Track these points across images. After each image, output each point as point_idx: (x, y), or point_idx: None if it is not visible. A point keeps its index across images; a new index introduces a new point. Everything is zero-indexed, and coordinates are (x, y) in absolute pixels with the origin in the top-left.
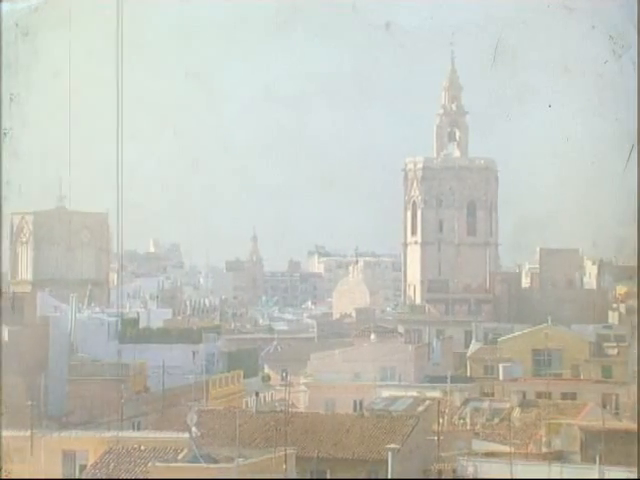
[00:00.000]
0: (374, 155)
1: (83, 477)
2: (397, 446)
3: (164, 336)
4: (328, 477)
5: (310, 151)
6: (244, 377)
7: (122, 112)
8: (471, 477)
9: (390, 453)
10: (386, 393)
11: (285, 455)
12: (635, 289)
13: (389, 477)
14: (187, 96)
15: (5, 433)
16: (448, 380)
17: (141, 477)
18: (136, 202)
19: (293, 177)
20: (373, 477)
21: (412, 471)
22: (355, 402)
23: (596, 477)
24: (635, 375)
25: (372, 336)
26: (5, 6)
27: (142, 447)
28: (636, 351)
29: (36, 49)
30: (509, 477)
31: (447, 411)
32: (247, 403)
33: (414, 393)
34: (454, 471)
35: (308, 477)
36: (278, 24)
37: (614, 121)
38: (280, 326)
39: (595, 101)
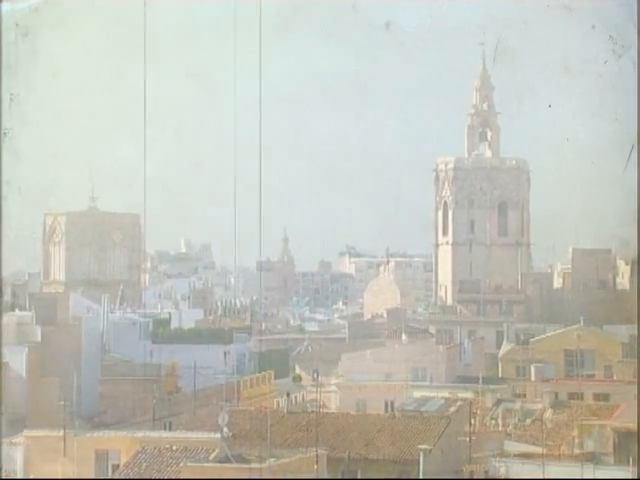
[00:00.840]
0: (388, 154)
1: (116, 477)
2: (429, 447)
3: (195, 336)
4: (359, 478)
5: (328, 151)
6: (275, 377)
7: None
8: (503, 478)
9: (422, 454)
10: (417, 394)
11: (316, 456)
12: None
13: (420, 478)
14: (189, 96)
15: (38, 433)
16: (480, 381)
17: (173, 477)
18: (166, 203)
19: (320, 178)
20: (404, 478)
21: (444, 472)
22: (386, 403)
23: (630, 478)
24: None
25: (403, 337)
26: (5, 6)
27: (174, 447)
28: None
29: (36, 49)
30: (541, 478)
31: (479, 412)
32: (278, 403)
33: (445, 394)
34: (486, 472)
35: (339, 478)
36: (278, 24)
37: (614, 121)
38: (311, 326)
39: (595, 101)
